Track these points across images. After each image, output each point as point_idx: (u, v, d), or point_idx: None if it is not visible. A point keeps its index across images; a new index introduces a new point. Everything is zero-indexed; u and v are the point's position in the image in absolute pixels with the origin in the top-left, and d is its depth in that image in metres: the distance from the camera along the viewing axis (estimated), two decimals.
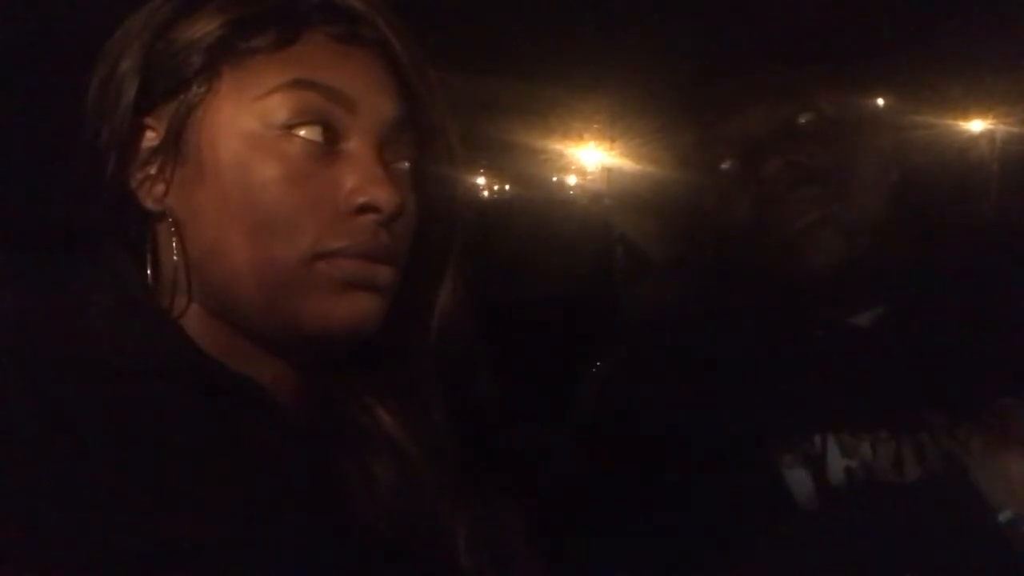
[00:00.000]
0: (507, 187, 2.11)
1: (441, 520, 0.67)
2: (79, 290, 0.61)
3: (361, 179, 0.64)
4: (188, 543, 0.53)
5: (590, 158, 1.71)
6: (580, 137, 1.68)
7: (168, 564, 0.52)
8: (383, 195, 0.63)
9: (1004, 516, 0.68)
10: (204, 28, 0.64)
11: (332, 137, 0.64)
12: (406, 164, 0.68)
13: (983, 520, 0.68)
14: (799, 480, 0.89)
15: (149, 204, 0.65)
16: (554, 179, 1.90)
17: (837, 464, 0.91)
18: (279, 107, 0.63)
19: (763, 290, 0.94)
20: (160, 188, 0.64)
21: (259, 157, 0.62)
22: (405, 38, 0.68)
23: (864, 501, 0.88)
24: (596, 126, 1.65)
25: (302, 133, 0.63)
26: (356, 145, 0.65)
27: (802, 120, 0.96)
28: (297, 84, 0.63)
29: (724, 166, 0.97)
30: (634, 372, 0.97)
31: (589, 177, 1.77)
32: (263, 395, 0.63)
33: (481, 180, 2.10)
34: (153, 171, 0.64)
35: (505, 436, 0.71)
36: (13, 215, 0.68)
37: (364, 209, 0.63)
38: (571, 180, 1.88)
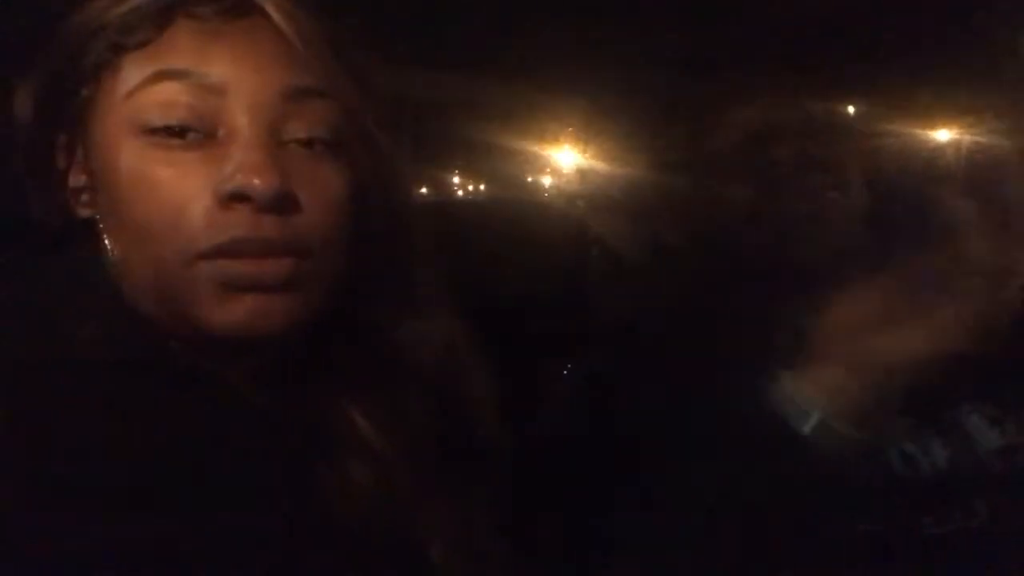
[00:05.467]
0: (482, 187, 2.12)
1: (417, 521, 0.67)
2: (50, 291, 0.61)
3: (231, 166, 0.58)
4: (160, 540, 0.54)
5: (565, 159, 1.72)
6: (555, 139, 1.69)
7: (139, 561, 0.52)
8: (253, 180, 0.57)
9: (810, 424, 0.69)
10: (84, 35, 0.61)
11: (206, 126, 0.59)
12: (317, 138, 0.62)
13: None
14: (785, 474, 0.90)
15: (81, 213, 0.64)
16: (529, 180, 1.91)
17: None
18: (144, 104, 0.59)
19: (752, 281, 0.94)
20: (85, 197, 0.63)
21: (131, 160, 0.59)
22: (286, 6, 0.62)
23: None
24: (571, 128, 1.66)
25: (170, 126, 0.59)
26: (234, 129, 0.59)
27: (815, 112, 1.00)
28: (159, 76, 0.59)
29: (732, 150, 1.00)
30: (607, 373, 0.97)
31: (564, 178, 1.78)
32: (236, 394, 0.63)
33: (456, 180, 2.11)
34: (70, 183, 0.63)
35: (481, 436, 0.71)
36: None
37: (236, 198, 0.58)
38: (546, 181, 1.89)
